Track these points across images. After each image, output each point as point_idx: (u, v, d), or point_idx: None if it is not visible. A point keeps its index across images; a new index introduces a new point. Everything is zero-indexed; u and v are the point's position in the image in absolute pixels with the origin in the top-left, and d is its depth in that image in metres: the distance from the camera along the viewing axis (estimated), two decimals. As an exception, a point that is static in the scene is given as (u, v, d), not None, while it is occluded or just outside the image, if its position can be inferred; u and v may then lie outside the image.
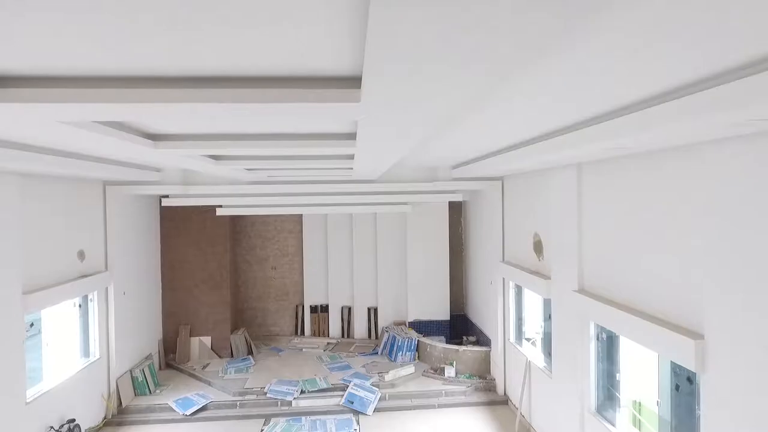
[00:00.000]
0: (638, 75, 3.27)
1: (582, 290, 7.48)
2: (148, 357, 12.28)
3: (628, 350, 6.79)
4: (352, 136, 4.76)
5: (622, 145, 5.18)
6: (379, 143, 4.43)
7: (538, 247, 9.35)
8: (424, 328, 14.13)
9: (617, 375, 6.85)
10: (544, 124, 5.58)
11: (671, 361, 5.60)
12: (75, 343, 9.84)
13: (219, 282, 13.65)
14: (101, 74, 2.66)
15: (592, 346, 7.43)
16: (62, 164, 6.97)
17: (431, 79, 2.31)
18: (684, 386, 5.46)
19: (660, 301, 5.60)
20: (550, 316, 9.05)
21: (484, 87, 2.62)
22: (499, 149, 7.78)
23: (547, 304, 9.20)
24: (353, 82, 2.69)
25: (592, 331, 7.43)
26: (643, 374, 6.61)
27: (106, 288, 10.59)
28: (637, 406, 6.85)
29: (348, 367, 12.67)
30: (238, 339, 13.68)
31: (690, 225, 5.07)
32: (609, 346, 7.12)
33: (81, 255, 9.70)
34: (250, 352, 13.78)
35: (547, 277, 8.72)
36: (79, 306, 9.89)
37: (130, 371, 11.29)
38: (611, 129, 4.59)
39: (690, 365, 4.96)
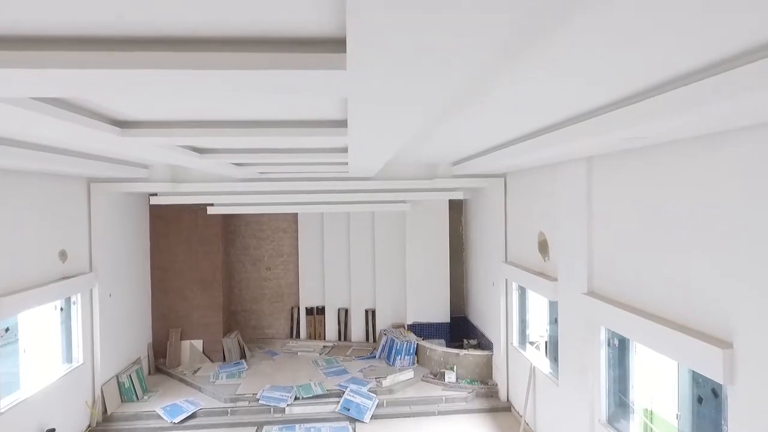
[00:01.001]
0: (663, 48, 2.81)
1: (592, 293, 7.01)
2: (137, 362, 11.79)
3: (642, 357, 6.32)
4: (343, 124, 4.29)
5: (641, 135, 4.71)
6: (372, 128, 3.96)
7: (543, 247, 8.89)
8: (423, 330, 13.66)
9: (630, 384, 6.38)
10: (552, 114, 5.12)
11: (692, 371, 5.13)
12: (56, 349, 9.35)
13: (211, 283, 13.17)
14: (45, 34, 2.20)
15: (603, 352, 6.96)
16: (35, 159, 6.51)
17: (425, 36, 1.84)
18: (708, 399, 5.00)
19: (681, 306, 5.13)
20: (556, 320, 8.59)
21: (490, 52, 2.15)
22: (502, 143, 7.32)
23: (553, 306, 8.74)
24: (337, 45, 2.22)
25: (603, 337, 6.96)
26: (659, 383, 6.15)
27: (91, 290, 10.11)
28: (649, 414, 6.38)
29: (344, 371, 12.20)
30: (231, 342, 13.20)
31: (718, 222, 4.60)
32: (621, 352, 6.65)
33: (62, 255, 9.22)
34: (243, 356, 13.30)
35: (553, 279, 8.25)
36: (61, 309, 9.41)
37: (117, 377, 10.81)
38: (630, 116, 4.13)
39: (716, 376, 4.49)
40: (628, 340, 6.41)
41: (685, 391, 5.36)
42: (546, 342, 9.55)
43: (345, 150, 6.36)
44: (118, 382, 10.80)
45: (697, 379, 5.16)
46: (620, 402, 6.73)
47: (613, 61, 3.10)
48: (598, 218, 6.89)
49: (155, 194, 11.39)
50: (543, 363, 9.25)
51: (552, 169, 8.30)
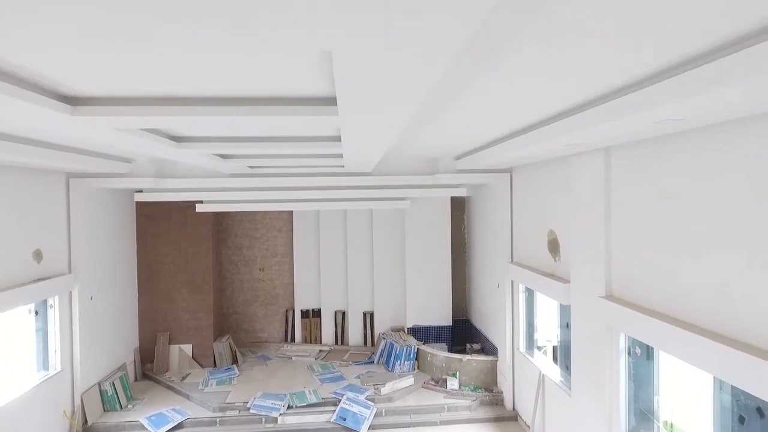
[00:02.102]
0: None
1: (610, 296, 6.39)
2: (121, 368, 11.16)
3: (669, 368, 5.69)
4: (332, 101, 3.67)
5: (677, 116, 4.08)
6: (365, 105, 3.34)
7: (553, 247, 8.27)
8: (424, 334, 13.04)
9: (655, 398, 5.75)
10: (563, 99, 4.53)
11: (733, 387, 4.51)
12: (31, 355, 8.72)
13: (201, 285, 12.53)
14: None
15: (623, 361, 6.33)
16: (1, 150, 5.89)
17: None
18: (752, 419, 4.37)
19: (722, 313, 4.51)
20: (568, 325, 7.96)
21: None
22: (509, 133, 6.71)
23: (564, 310, 8.12)
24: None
25: (623, 344, 6.34)
26: (688, 398, 5.53)
27: (70, 292, 9.47)
28: (669, 426, 5.77)
29: (341, 378, 11.57)
30: (222, 347, 12.57)
31: (769, 216, 3.97)
32: (644, 362, 6.02)
33: (37, 255, 8.59)
34: (234, 361, 12.67)
35: (565, 281, 7.63)
36: (36, 313, 8.77)
37: (99, 384, 10.17)
38: (664, 93, 3.52)
39: (764, 394, 3.88)
40: (653, 349, 5.78)
41: (723, 409, 4.73)
42: (556, 347, 8.94)
43: (338, 138, 5.74)
44: (101, 390, 10.16)
45: (737, 396, 4.54)
46: (642, 416, 6.10)
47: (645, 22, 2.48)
48: (618, 214, 6.26)
49: (141, 191, 10.77)
50: (553, 371, 8.63)
51: (564, 162, 7.68)
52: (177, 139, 5.65)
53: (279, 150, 5.99)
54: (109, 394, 10.21)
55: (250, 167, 9.47)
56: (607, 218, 6.44)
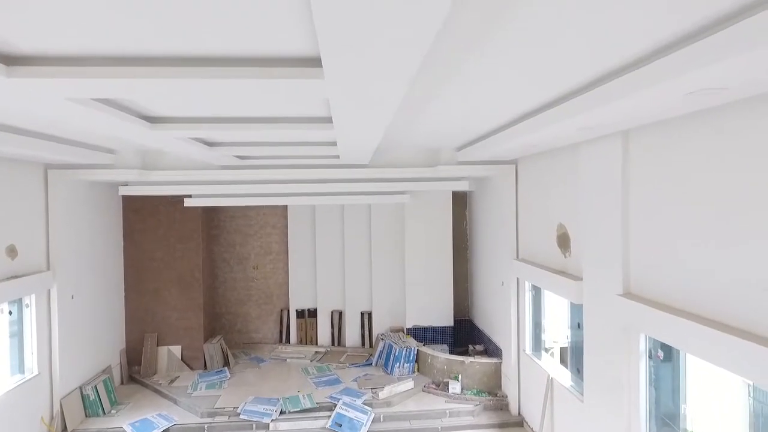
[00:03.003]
0: None
1: (628, 294, 5.84)
2: (106, 370, 10.60)
3: (696, 372, 5.15)
4: (317, 62, 3.12)
5: (713, 85, 3.54)
6: (355, 68, 2.79)
7: (563, 241, 7.72)
8: (424, 335, 12.48)
9: (682, 406, 5.20)
10: (578, 71, 4.00)
11: (776, 395, 3.97)
12: (4, 358, 8.15)
13: (191, 283, 11.97)
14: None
15: (643, 365, 5.78)
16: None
17: None
18: (801, 433, 3.82)
19: (759, 311, 3.96)
20: (579, 325, 7.42)
21: None
22: (516, 117, 6.17)
23: (575, 309, 7.58)
24: None
25: (642, 346, 5.78)
26: (719, 406, 4.99)
27: (48, 290, 8.92)
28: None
29: (337, 381, 11.01)
30: (213, 348, 12.01)
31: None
32: (668, 366, 5.47)
33: (11, 251, 8.04)
34: (226, 363, 12.12)
35: (576, 278, 7.08)
36: (9, 313, 8.21)
37: (80, 389, 9.62)
38: (697, 55, 2.99)
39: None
40: (678, 351, 5.23)
41: (758, 418, 4.18)
42: (567, 349, 8.40)
43: (329, 119, 5.19)
44: (82, 394, 9.61)
45: (781, 406, 3.99)
46: (665, 426, 5.55)
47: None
48: (637, 204, 5.71)
49: (126, 184, 10.22)
50: (562, 374, 8.07)
51: (574, 150, 7.13)
52: (151, 119, 5.10)
53: (266, 133, 5.43)
54: (91, 399, 9.66)
55: (239, 157, 8.91)
56: (625, 209, 5.88)
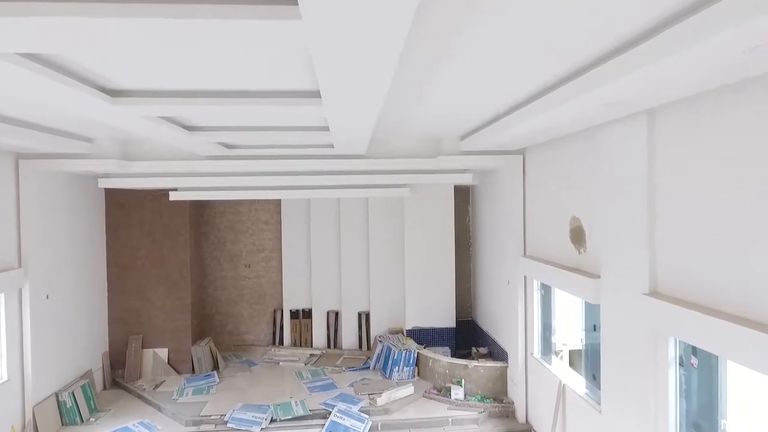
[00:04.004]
0: None
1: (656, 293, 5.19)
2: (86, 375, 9.95)
3: (738, 382, 4.50)
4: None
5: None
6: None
7: (577, 236, 7.07)
8: (424, 337, 11.83)
9: (721, 422, 4.54)
10: (606, 32, 3.40)
11: None
12: (-32, 363, 7.53)
13: (178, 282, 11.32)
14: None
15: (672, 373, 5.13)
16: None
17: None
18: None
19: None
20: (595, 327, 6.78)
21: None
22: (525, 97, 5.56)
23: (590, 310, 6.93)
24: None
25: (672, 352, 5.13)
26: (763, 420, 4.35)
27: (20, 290, 8.27)
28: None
29: (332, 386, 10.36)
30: (202, 351, 11.36)
31: None
32: (703, 375, 4.82)
33: (-25, 247, 7.39)
34: (215, 367, 11.47)
35: (593, 276, 6.43)
36: (-26, 314, 7.57)
37: (56, 395, 8.96)
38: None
39: None
40: (716, 357, 4.58)
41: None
42: (578, 352, 7.78)
43: (317, 95, 4.54)
44: (58, 401, 8.95)
45: None
46: (698, 442, 4.91)
47: None
48: (666, 191, 5.06)
49: (106, 176, 9.56)
50: (575, 380, 7.43)
51: (590, 134, 6.49)
52: (112, 92, 4.45)
53: (247, 109, 4.77)
54: (68, 406, 9.00)
55: (226, 146, 8.26)
56: (651, 197, 5.23)
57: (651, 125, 5.20)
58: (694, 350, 4.84)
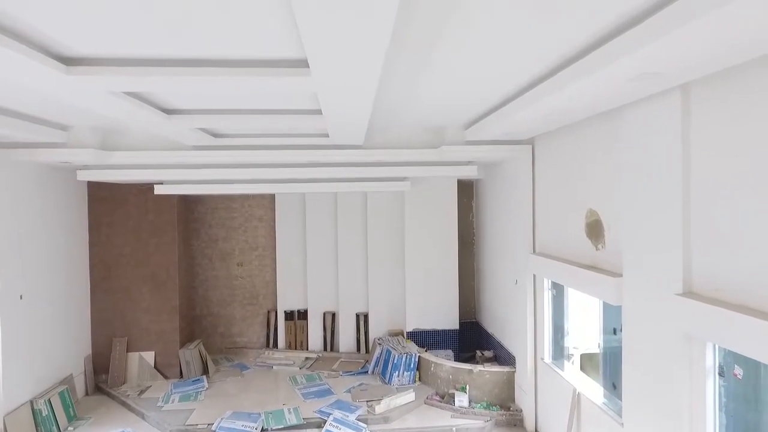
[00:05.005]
0: None
1: (691, 293, 4.58)
2: (66, 380, 9.32)
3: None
4: None
5: None
6: None
7: (594, 231, 6.45)
8: (426, 339, 11.21)
9: (772, 441, 3.93)
10: None
11: None
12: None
13: (165, 281, 10.70)
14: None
15: (710, 384, 4.51)
16: None
17: None
18: None
19: None
20: (615, 331, 6.17)
21: None
22: (536, 76, 4.97)
23: (610, 311, 6.32)
24: None
25: (710, 361, 4.52)
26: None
27: (-11, 290, 7.66)
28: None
29: (328, 392, 9.75)
30: (190, 354, 10.74)
31: None
32: (748, 387, 4.21)
33: (-63, 243, 6.77)
34: (205, 371, 10.85)
35: (614, 274, 5.82)
36: (-64, 316, 6.95)
37: (31, 402, 8.34)
38: None
39: None
40: (765, 367, 3.97)
41: None
42: (592, 357, 7.19)
43: (305, 62, 3.92)
44: (33, 409, 8.33)
45: None
46: (740, 464, 4.30)
47: None
48: (703, 178, 4.44)
49: (86, 167, 8.94)
50: (592, 389, 6.81)
51: (610, 118, 5.88)
52: (66, 60, 3.83)
53: (225, 80, 4.14)
54: (43, 414, 8.38)
55: (212, 135, 7.65)
56: (686, 185, 4.61)
57: (686, 103, 4.57)
58: (737, 358, 4.24)
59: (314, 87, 4.21)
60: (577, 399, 6.96)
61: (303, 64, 3.95)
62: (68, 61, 3.85)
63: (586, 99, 5.17)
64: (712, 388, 4.51)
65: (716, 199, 4.28)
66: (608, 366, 6.49)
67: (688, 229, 4.61)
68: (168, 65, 3.95)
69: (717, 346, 4.43)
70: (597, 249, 6.40)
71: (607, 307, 6.39)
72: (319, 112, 6.02)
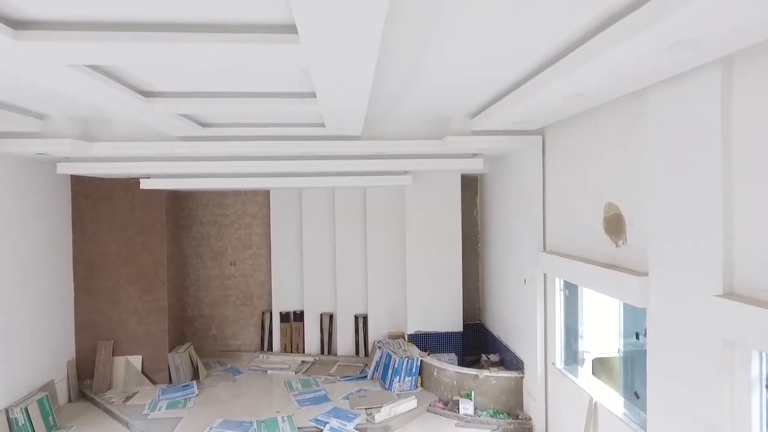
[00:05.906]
0: None
1: (732, 294, 4.04)
2: (46, 387, 8.78)
3: None
4: None
5: None
6: None
7: (614, 226, 5.92)
8: (428, 342, 10.67)
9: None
10: None
11: None
12: None
13: (153, 281, 10.16)
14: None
15: (756, 398, 3.98)
16: None
17: None
18: None
19: None
20: (637, 335, 5.64)
21: None
22: (549, 57, 4.45)
23: (631, 314, 5.79)
24: None
25: (756, 370, 3.98)
26: None
27: (-41, 291, 7.11)
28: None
29: (325, 398, 9.21)
30: (180, 358, 10.19)
31: None
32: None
33: None
34: (196, 376, 10.30)
35: (638, 273, 5.28)
36: None
37: (6, 411, 7.80)
38: None
39: None
40: (827, 382, 3.44)
41: None
42: (598, 361, 6.70)
43: (294, 30, 3.37)
44: (8, 418, 7.79)
45: None
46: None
47: None
48: (749, 167, 3.90)
49: (66, 160, 8.39)
50: (611, 399, 6.27)
51: (632, 103, 5.35)
52: (13, 23, 3.29)
53: (202, 47, 3.60)
54: (20, 424, 7.84)
55: (199, 123, 7.09)
56: (727, 174, 4.08)
57: (728, 79, 4.04)
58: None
59: (304, 57, 3.67)
60: (593, 408, 6.42)
61: (291, 29, 3.40)
62: (17, 25, 3.30)
63: (610, 77, 4.63)
64: (758, 401, 3.97)
65: (763, 185, 3.74)
66: (629, 373, 5.95)
67: (729, 222, 4.07)
68: (135, 30, 3.40)
69: (765, 355, 3.90)
70: (617, 246, 5.86)
71: (627, 308, 5.86)
72: (312, 95, 5.49)
